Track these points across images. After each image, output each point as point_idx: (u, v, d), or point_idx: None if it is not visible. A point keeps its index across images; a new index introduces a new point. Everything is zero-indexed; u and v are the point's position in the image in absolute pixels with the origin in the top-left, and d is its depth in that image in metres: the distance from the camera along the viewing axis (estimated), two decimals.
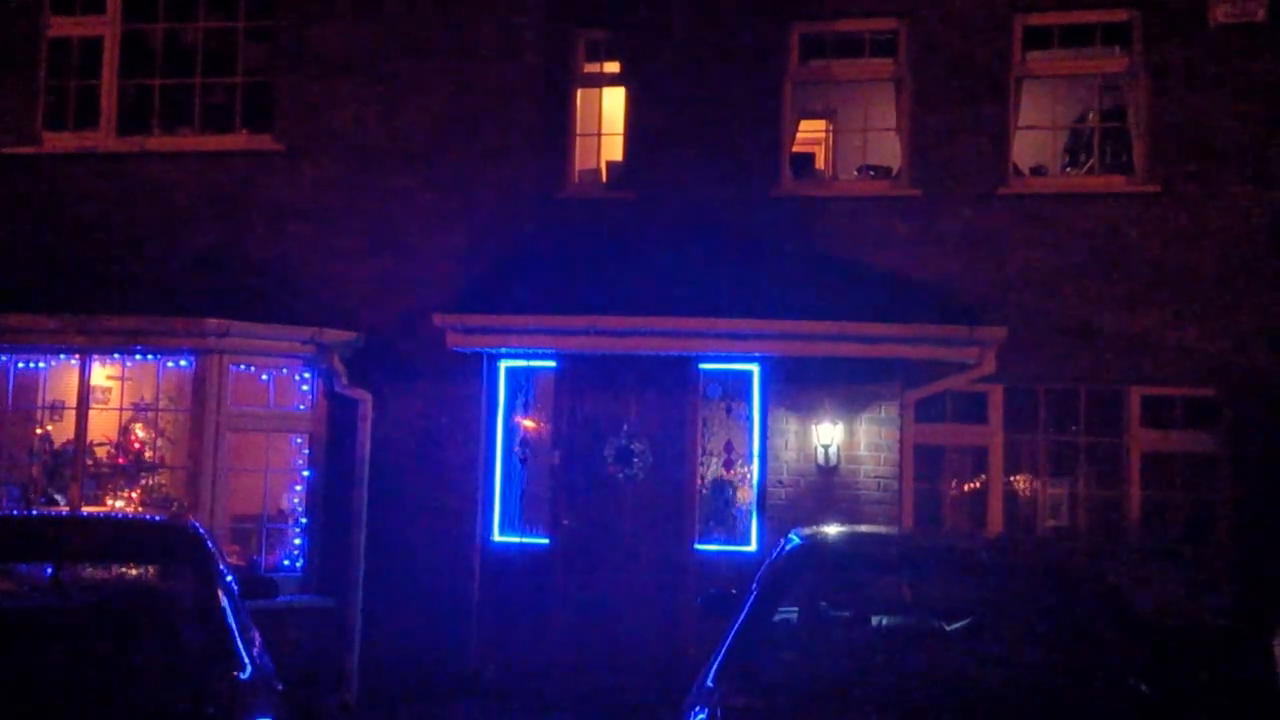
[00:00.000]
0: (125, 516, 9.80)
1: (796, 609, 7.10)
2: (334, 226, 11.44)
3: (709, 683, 5.99)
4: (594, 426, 10.99)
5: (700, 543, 10.84)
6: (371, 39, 11.59)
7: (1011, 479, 10.98)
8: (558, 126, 11.66)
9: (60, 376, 10.97)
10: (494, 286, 11.01)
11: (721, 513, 10.97)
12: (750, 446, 10.96)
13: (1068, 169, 11.73)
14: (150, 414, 11.06)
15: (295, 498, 11.08)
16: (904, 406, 10.77)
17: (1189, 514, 10.66)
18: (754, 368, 10.94)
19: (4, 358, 10.69)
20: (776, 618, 6.68)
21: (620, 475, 10.93)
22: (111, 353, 10.68)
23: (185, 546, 7.34)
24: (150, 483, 10.92)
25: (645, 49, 11.55)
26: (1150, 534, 10.74)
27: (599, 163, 12.02)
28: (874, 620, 7.04)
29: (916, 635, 6.82)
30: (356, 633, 10.87)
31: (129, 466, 10.86)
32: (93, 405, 10.69)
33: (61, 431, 10.87)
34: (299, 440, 11.10)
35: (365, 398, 11.02)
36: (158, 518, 9.78)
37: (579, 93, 11.91)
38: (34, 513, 9.94)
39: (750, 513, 10.88)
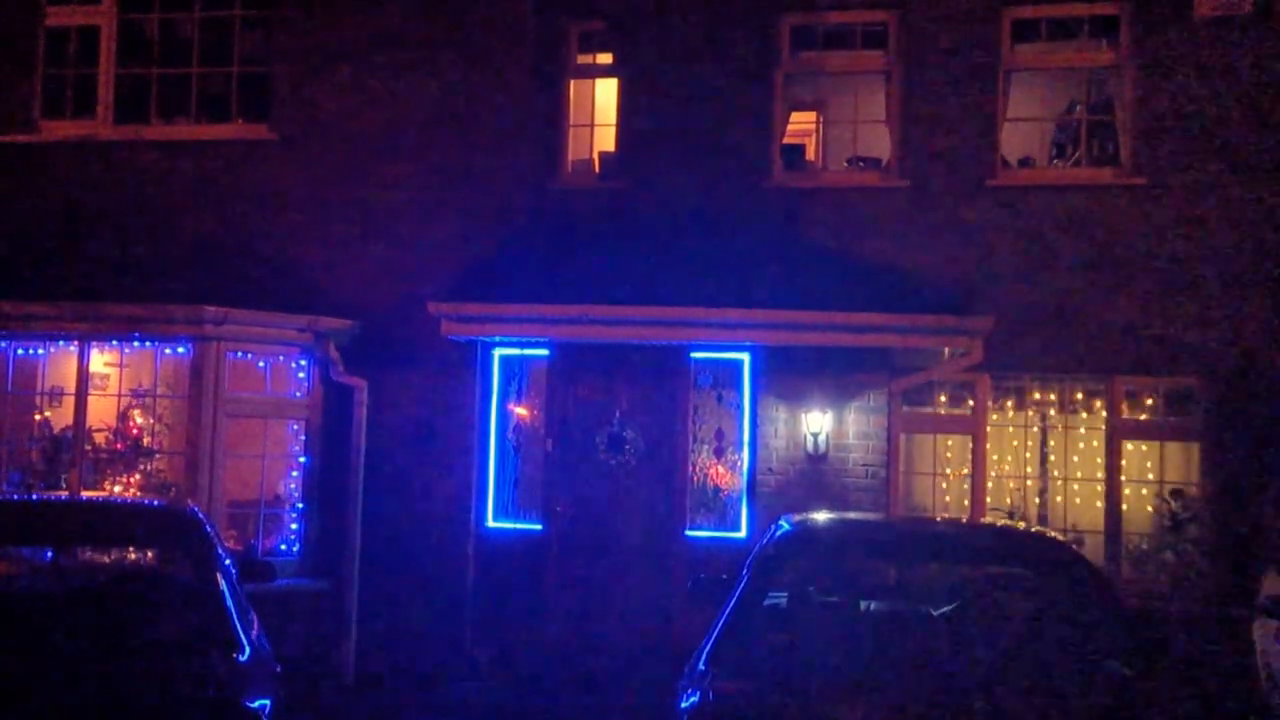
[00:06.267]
0: (125, 501, 9.84)
1: (786, 594, 7.20)
2: (330, 215, 11.53)
3: (701, 666, 6.08)
4: (587, 414, 11.11)
5: (691, 529, 10.97)
6: (366, 29, 11.66)
7: (997, 466, 11.10)
8: (551, 117, 11.75)
9: (59, 363, 11.04)
10: (488, 275, 11.10)
11: (712, 499, 11.09)
12: (740, 434, 11.09)
13: (1055, 161, 11.85)
14: (149, 400, 11.14)
15: (292, 483, 11.19)
16: (892, 395, 10.90)
17: (1170, 501, 10.79)
18: (744, 356, 11.06)
19: (3, 344, 10.76)
20: (767, 603, 6.76)
21: (612, 462, 11.05)
22: (110, 339, 10.74)
23: (184, 531, 7.36)
24: (149, 468, 10.98)
25: (637, 41, 11.63)
26: (1132, 520, 10.89)
27: (592, 153, 12.09)
28: (862, 605, 7.14)
29: (904, 620, 6.91)
30: (353, 616, 10.97)
31: (127, 452, 10.92)
32: (92, 391, 10.77)
33: (61, 417, 10.95)
34: (295, 426, 11.20)
35: (361, 385, 11.12)
36: (157, 502, 9.86)
37: (572, 84, 12.00)
38: (34, 497, 10.00)
39: (740, 499, 11.01)
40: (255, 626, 6.86)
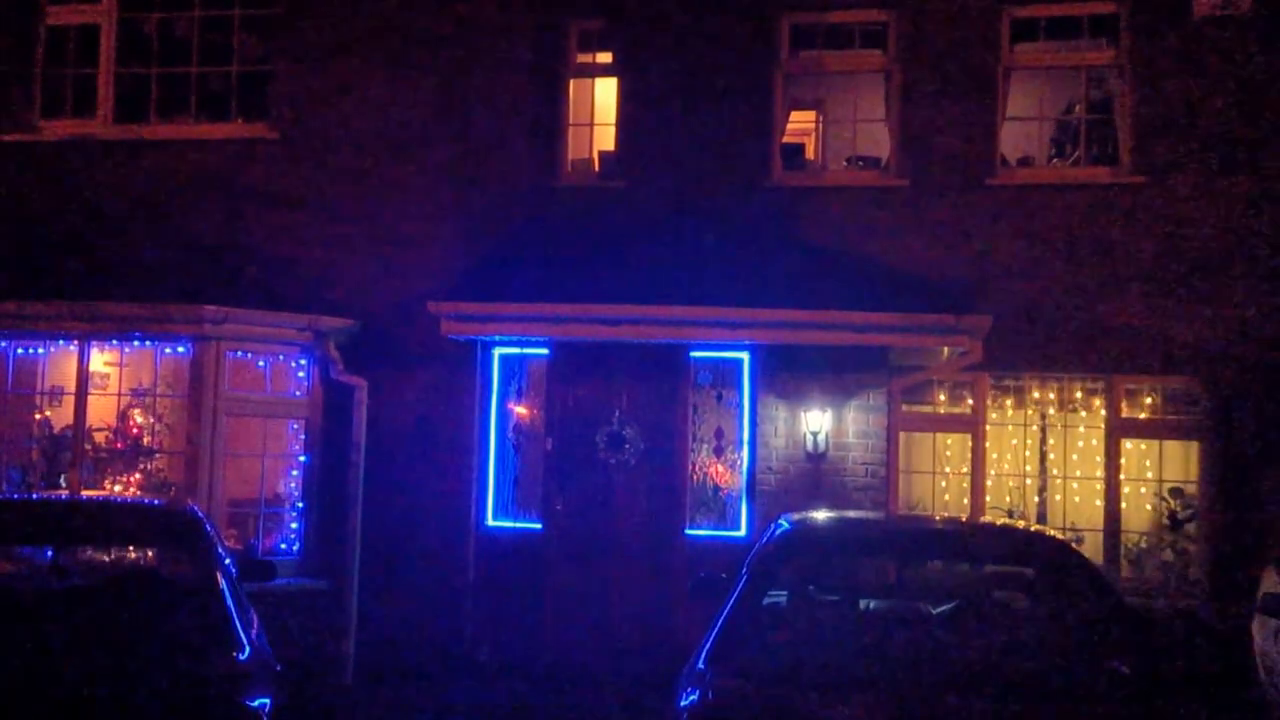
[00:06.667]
0: (125, 500, 9.84)
1: (786, 593, 7.21)
2: (329, 214, 11.55)
3: (700, 665, 6.08)
4: (586, 413, 11.12)
5: (691, 528, 10.98)
6: (366, 28, 11.68)
7: (996, 465, 11.11)
8: (551, 116, 11.74)
9: (60, 362, 11.05)
10: (488, 275, 11.12)
11: (712, 498, 11.11)
12: (740, 433, 11.10)
13: (1054, 160, 11.85)
14: (148, 399, 11.15)
15: (292, 482, 11.21)
16: (891, 394, 10.91)
17: (1169, 500, 10.81)
18: (744, 355, 11.07)
19: (4, 343, 10.77)
20: (766, 601, 6.77)
21: (612, 461, 11.06)
22: (110, 339, 10.75)
23: (184, 530, 7.38)
24: (149, 467, 10.99)
25: (637, 40, 11.63)
26: (1131, 519, 10.90)
27: (592, 153, 12.09)
28: (861, 604, 7.15)
29: (903, 618, 6.90)
30: (353, 615, 10.99)
31: (128, 451, 10.94)
32: (92, 391, 10.78)
33: (61, 416, 10.95)
34: (295, 426, 11.22)
35: (361, 384, 11.13)
36: (157, 501, 9.87)
37: (572, 83, 12.00)
38: (35, 496, 10.01)
39: (740, 498, 11.02)
40: (255, 625, 6.88)
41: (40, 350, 10.95)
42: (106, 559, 9.00)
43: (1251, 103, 10.78)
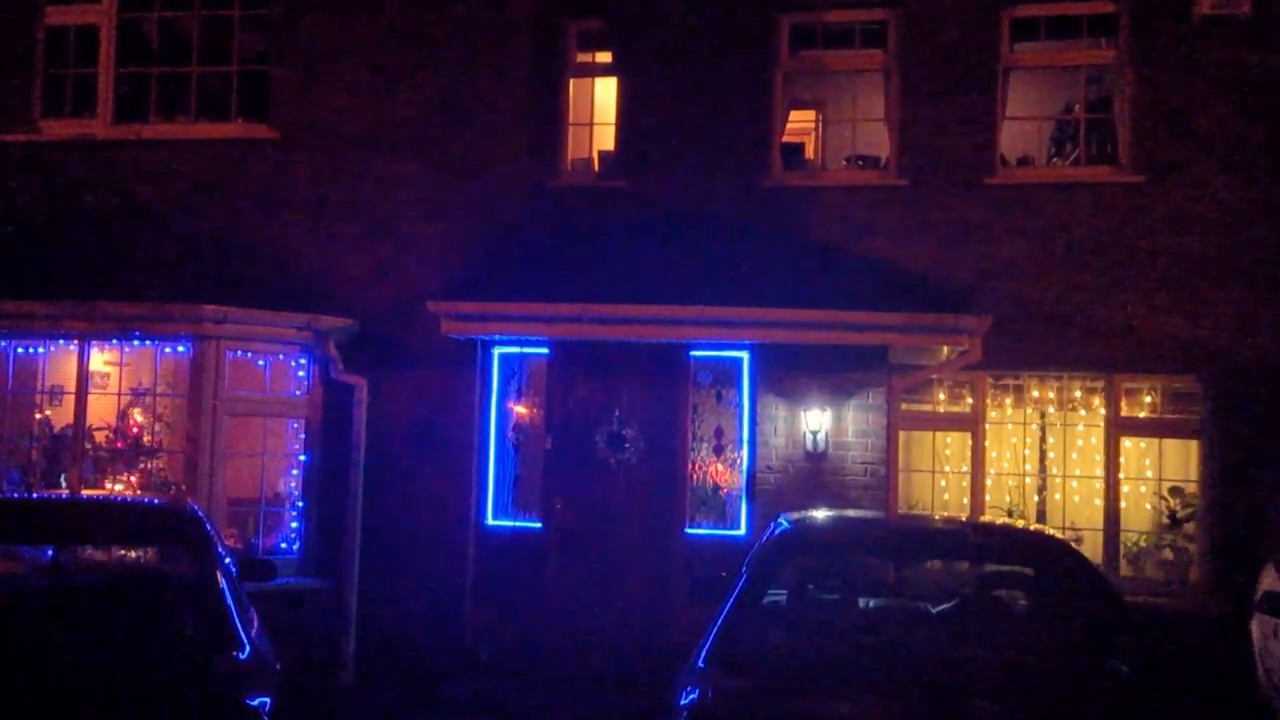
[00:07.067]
0: (125, 499, 9.84)
1: (785, 592, 7.21)
2: (329, 214, 11.58)
3: (700, 664, 6.09)
4: (586, 412, 11.11)
5: (691, 527, 10.98)
6: (365, 28, 11.70)
7: (996, 464, 11.11)
8: (550, 116, 11.74)
9: (60, 361, 11.05)
10: (487, 274, 11.13)
11: (711, 497, 11.10)
12: (740, 432, 11.09)
13: (1054, 159, 11.85)
14: (148, 399, 11.14)
15: (292, 481, 11.22)
16: (891, 393, 10.89)
17: (1168, 498, 10.82)
18: (744, 355, 11.07)
19: (4, 343, 10.78)
20: (765, 600, 6.77)
21: (612, 460, 11.06)
22: (110, 338, 10.76)
23: (184, 529, 7.37)
24: (149, 466, 11.00)
25: (637, 39, 11.63)
26: (1131, 517, 10.90)
27: (591, 152, 12.09)
28: (861, 603, 7.16)
29: (903, 617, 6.92)
30: (353, 614, 11.00)
31: (127, 450, 10.93)
32: (92, 390, 10.79)
33: (61, 416, 10.96)
34: (295, 425, 11.24)
35: (360, 383, 11.13)
36: (157, 501, 9.87)
37: (571, 82, 11.99)
38: (35, 495, 10.01)
39: (740, 498, 11.02)
40: (255, 624, 6.87)
41: (40, 350, 10.96)
42: (106, 558, 9.00)
43: (1250, 102, 10.78)
